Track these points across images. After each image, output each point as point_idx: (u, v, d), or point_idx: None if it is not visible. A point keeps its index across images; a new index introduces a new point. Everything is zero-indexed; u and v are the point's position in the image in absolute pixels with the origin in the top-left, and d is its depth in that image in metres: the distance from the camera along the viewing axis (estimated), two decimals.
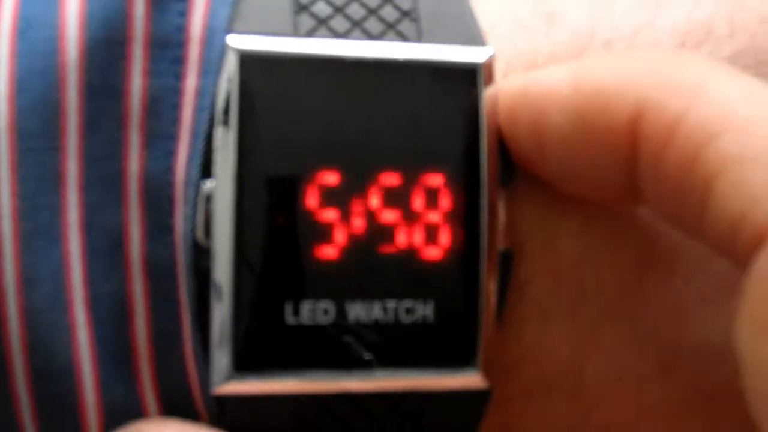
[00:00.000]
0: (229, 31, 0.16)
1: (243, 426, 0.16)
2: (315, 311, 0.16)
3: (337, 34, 0.16)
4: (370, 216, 0.16)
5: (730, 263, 0.14)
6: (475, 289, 0.16)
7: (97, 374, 0.16)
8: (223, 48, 0.16)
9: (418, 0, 0.17)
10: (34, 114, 0.16)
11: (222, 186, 0.15)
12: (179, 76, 0.16)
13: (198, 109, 0.16)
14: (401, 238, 0.16)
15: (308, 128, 0.16)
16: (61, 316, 0.16)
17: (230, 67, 0.15)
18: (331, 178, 0.16)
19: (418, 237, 0.16)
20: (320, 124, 0.16)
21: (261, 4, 0.16)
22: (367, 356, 0.16)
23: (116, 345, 0.16)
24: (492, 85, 0.16)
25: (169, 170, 0.16)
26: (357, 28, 0.16)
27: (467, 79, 0.16)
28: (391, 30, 0.17)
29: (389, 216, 0.16)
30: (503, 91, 0.16)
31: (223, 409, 0.16)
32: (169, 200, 0.16)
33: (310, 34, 0.16)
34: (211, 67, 0.16)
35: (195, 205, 0.15)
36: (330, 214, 0.16)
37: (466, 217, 0.16)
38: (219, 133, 0.15)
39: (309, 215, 0.16)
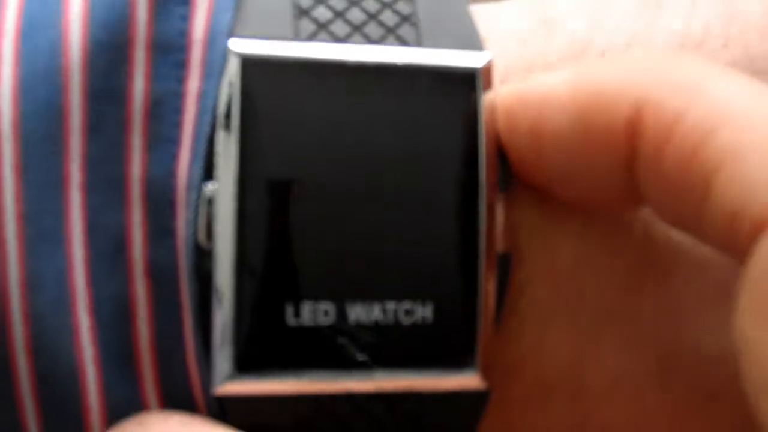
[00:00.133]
0: (230, 35, 0.16)
1: (244, 426, 0.16)
2: (315, 312, 0.16)
3: (337, 39, 0.16)
4: (370, 217, 0.16)
5: (729, 261, 0.14)
6: (473, 291, 0.16)
7: (100, 377, 0.16)
8: (225, 52, 0.16)
9: (417, 5, 0.17)
10: (38, 117, 0.16)
11: (223, 189, 0.16)
12: (181, 80, 0.16)
13: (200, 113, 0.16)
14: (401, 241, 0.16)
15: (309, 132, 0.16)
16: (64, 319, 0.16)
17: (232, 71, 0.16)
18: (330, 180, 0.16)
19: (417, 239, 0.16)
20: (320, 128, 0.16)
21: (262, 9, 0.16)
22: (367, 357, 0.16)
23: (119, 348, 0.16)
24: (490, 90, 0.17)
25: (171, 174, 0.16)
26: (357, 33, 0.17)
27: (466, 84, 0.17)
28: (390, 34, 0.17)
29: (389, 218, 0.16)
30: (501, 96, 0.16)
31: (224, 409, 0.16)
32: (171, 203, 0.16)
33: (311, 38, 0.16)
34: (213, 71, 0.16)
35: (197, 208, 0.16)
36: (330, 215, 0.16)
37: (465, 220, 0.16)
38: (220, 136, 0.16)
39: (309, 216, 0.16)
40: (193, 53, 0.16)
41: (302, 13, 0.17)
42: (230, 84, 0.16)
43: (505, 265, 0.17)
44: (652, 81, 0.15)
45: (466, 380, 0.16)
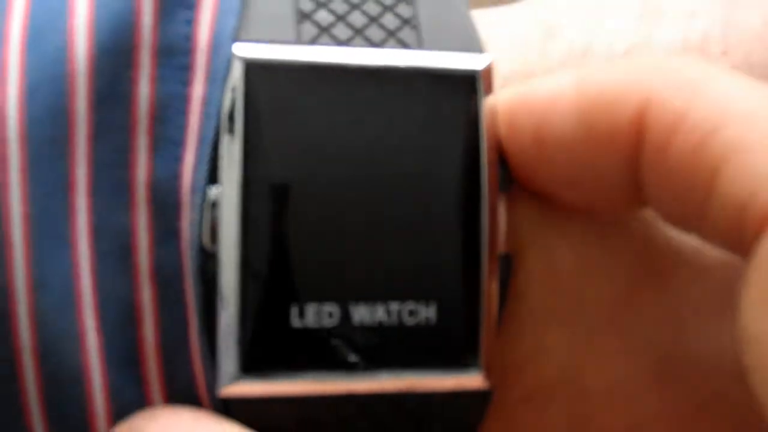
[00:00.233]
0: (235, 39, 0.16)
1: (249, 427, 0.16)
2: (320, 314, 0.16)
3: (339, 42, 0.17)
4: (374, 219, 0.16)
5: (729, 266, 0.14)
6: (476, 292, 0.16)
7: (106, 379, 0.16)
8: (229, 56, 0.16)
9: (418, 8, 0.17)
10: (44, 121, 0.16)
11: (228, 192, 0.16)
12: (186, 83, 0.16)
13: (205, 117, 0.16)
14: (404, 242, 0.16)
15: (311, 135, 0.16)
16: (71, 322, 0.16)
17: (235, 75, 0.16)
18: (332, 182, 0.16)
19: (420, 240, 0.16)
20: (323, 131, 0.16)
21: (265, 13, 0.16)
22: (371, 358, 0.16)
23: (125, 350, 0.16)
24: (491, 92, 0.17)
25: (176, 176, 0.16)
26: (359, 36, 0.17)
27: (467, 86, 0.17)
28: (392, 37, 0.17)
29: (392, 220, 0.16)
30: (502, 100, 0.17)
31: (229, 410, 0.16)
32: (176, 206, 0.16)
33: (313, 41, 0.16)
34: (217, 75, 0.16)
35: (201, 211, 0.16)
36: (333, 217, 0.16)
37: (468, 221, 0.17)
38: (225, 140, 0.16)
39: (312, 219, 0.16)
40: (197, 57, 0.16)
41: (304, 17, 0.17)
42: (233, 88, 0.16)
43: (506, 266, 0.17)
44: (655, 80, 0.15)
45: (469, 380, 0.16)
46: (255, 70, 0.16)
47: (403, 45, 0.17)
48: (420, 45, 0.17)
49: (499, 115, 0.17)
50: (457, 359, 0.16)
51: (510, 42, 0.18)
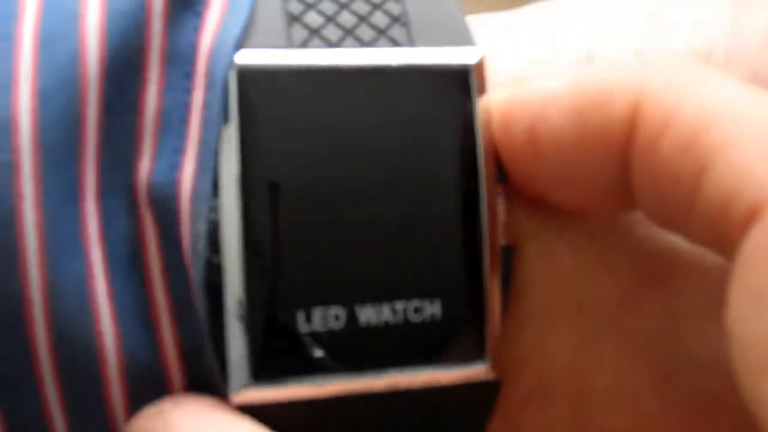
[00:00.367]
0: (237, 47, 0.16)
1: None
2: (326, 317, 0.16)
3: (330, 44, 0.17)
4: (375, 219, 0.16)
5: (718, 255, 0.14)
6: (479, 285, 0.17)
7: (125, 382, 0.16)
8: (227, 63, 0.16)
9: (406, 4, 0.17)
10: (56, 127, 0.16)
11: (227, 200, 0.16)
12: (188, 90, 0.16)
13: (204, 123, 0.16)
14: (405, 240, 0.16)
15: (308, 138, 0.16)
16: (87, 328, 0.16)
17: (229, 82, 0.16)
18: (332, 185, 0.16)
19: (421, 237, 0.16)
20: (320, 134, 0.16)
21: (255, 18, 0.16)
22: (379, 356, 0.16)
23: (145, 355, 0.16)
24: (485, 84, 0.17)
25: (174, 183, 0.16)
26: (349, 36, 0.17)
27: (460, 80, 0.17)
28: (382, 36, 0.17)
29: (392, 218, 0.16)
30: (496, 99, 0.17)
31: None
32: (174, 213, 0.16)
33: (304, 44, 0.16)
34: (216, 81, 0.16)
35: (208, 221, 0.16)
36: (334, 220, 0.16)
37: (468, 215, 0.17)
38: (223, 148, 0.16)
39: (314, 222, 0.16)
40: (198, 64, 0.16)
41: (294, 19, 0.17)
42: (228, 95, 0.16)
43: (507, 258, 0.17)
44: (648, 79, 0.15)
45: (477, 372, 0.17)
46: (248, 76, 0.16)
47: (394, 43, 0.17)
48: (411, 42, 0.17)
49: (493, 115, 0.17)
50: (464, 353, 0.17)
51: (517, 56, 0.18)
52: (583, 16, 0.19)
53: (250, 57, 0.16)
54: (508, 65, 0.18)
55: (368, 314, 0.16)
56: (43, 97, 0.16)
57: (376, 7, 0.17)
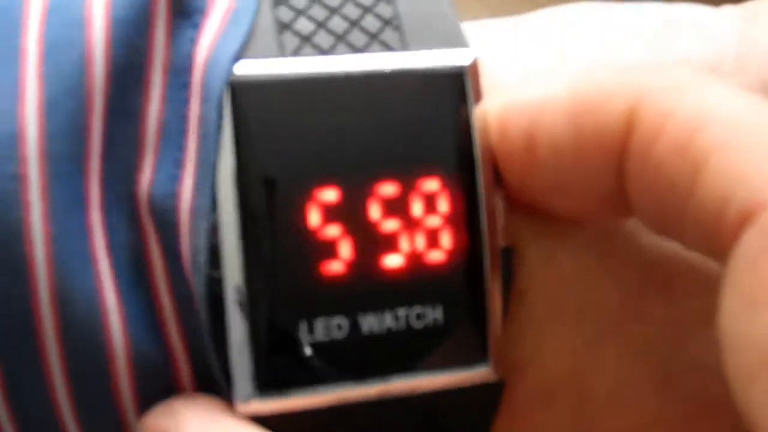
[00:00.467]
0: (234, 59, 0.16)
1: None
2: (329, 328, 0.16)
3: (322, 51, 0.16)
4: (373, 227, 0.16)
5: (712, 259, 0.14)
6: (481, 288, 0.17)
7: (134, 387, 0.16)
8: (224, 74, 0.16)
9: (398, 6, 0.17)
10: (63, 137, 0.16)
11: (226, 218, 0.16)
12: (185, 102, 0.16)
13: (201, 137, 0.16)
14: (405, 246, 0.16)
15: (304, 148, 0.16)
16: (99, 341, 0.16)
17: (223, 94, 0.16)
18: (330, 194, 0.16)
19: (420, 243, 0.16)
20: (315, 143, 0.16)
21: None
22: (383, 364, 0.16)
23: (155, 361, 0.16)
24: (479, 85, 0.17)
25: (173, 195, 0.16)
26: (341, 42, 0.16)
27: (455, 82, 0.17)
28: (375, 41, 0.17)
29: (391, 226, 0.16)
30: (492, 104, 0.16)
31: None
32: (174, 226, 0.16)
33: (296, 53, 0.16)
34: (211, 94, 0.16)
35: (208, 237, 0.16)
36: (333, 231, 0.16)
37: (467, 219, 0.17)
38: (219, 161, 0.16)
39: (313, 234, 0.16)
40: (194, 75, 0.16)
41: (284, 27, 0.16)
42: (222, 108, 0.16)
43: (508, 259, 0.17)
44: (644, 82, 0.15)
45: (480, 374, 0.17)
46: (241, 87, 0.16)
47: (387, 47, 0.17)
48: (404, 46, 0.17)
49: (489, 121, 0.16)
50: (467, 356, 0.17)
51: (524, 68, 0.18)
52: (593, 27, 0.19)
53: (242, 68, 0.16)
54: (512, 71, 0.18)
55: (371, 322, 0.16)
56: (50, 107, 0.16)
57: (367, 10, 0.17)
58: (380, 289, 0.16)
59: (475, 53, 0.17)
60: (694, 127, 0.14)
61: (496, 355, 0.17)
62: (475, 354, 0.17)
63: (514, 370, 0.17)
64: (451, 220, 0.16)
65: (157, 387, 0.16)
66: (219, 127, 0.16)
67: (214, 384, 0.16)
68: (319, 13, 0.17)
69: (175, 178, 0.16)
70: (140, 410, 0.16)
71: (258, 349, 0.16)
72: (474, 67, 0.17)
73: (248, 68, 0.16)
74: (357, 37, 0.17)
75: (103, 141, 0.16)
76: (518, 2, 0.20)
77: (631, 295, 0.17)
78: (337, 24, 0.17)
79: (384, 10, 0.17)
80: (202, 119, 0.16)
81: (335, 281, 0.16)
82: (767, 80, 0.17)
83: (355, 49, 0.16)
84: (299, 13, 0.17)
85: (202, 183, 0.16)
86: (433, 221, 0.16)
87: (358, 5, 0.17)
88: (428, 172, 0.16)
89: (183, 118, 0.16)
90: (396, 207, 0.16)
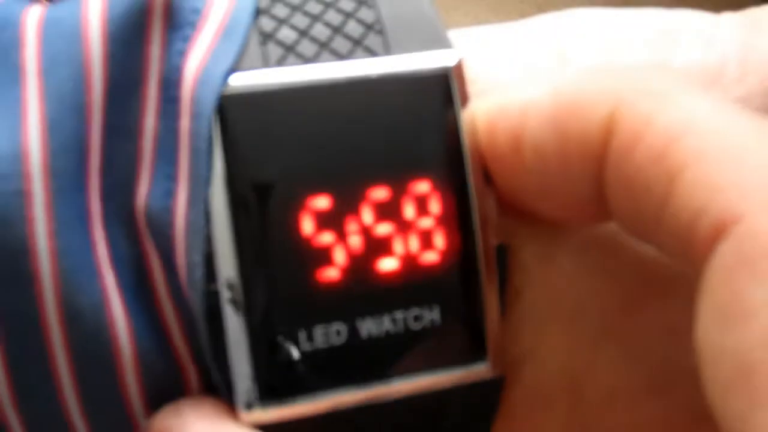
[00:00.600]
0: (228, 73, 0.16)
1: None
2: (328, 334, 0.16)
3: (306, 59, 0.16)
4: (366, 232, 0.16)
5: (686, 267, 0.14)
6: (476, 286, 0.17)
7: (146, 399, 0.16)
8: (215, 90, 0.16)
9: (380, 10, 0.17)
10: (65, 154, 0.16)
11: (219, 230, 0.16)
12: (175, 117, 0.16)
13: (193, 152, 0.16)
14: (399, 250, 0.16)
15: (294, 157, 0.16)
16: (108, 351, 0.16)
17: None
18: (322, 201, 0.16)
19: (414, 245, 0.16)
20: (305, 152, 0.16)
21: None
22: (382, 366, 0.16)
23: (164, 373, 0.17)
24: (465, 86, 0.17)
25: (168, 210, 0.16)
26: (325, 50, 0.17)
27: (440, 84, 0.17)
28: (358, 46, 0.17)
29: (384, 230, 0.16)
30: (480, 108, 0.17)
31: None
32: (170, 240, 0.16)
33: (280, 63, 0.16)
34: (202, 110, 0.16)
35: (204, 251, 0.16)
36: (327, 238, 0.16)
37: (459, 219, 0.17)
38: (210, 175, 0.16)
39: (307, 242, 0.16)
40: (183, 89, 0.16)
41: (267, 37, 0.16)
42: (210, 122, 0.16)
43: (502, 256, 0.17)
44: (626, 87, 0.15)
45: (479, 371, 0.17)
46: (229, 100, 0.16)
47: (371, 53, 0.17)
48: (387, 50, 0.17)
49: (478, 123, 0.17)
50: (466, 354, 0.17)
51: (523, 69, 0.18)
52: (592, 26, 0.19)
53: (229, 81, 0.16)
54: (512, 72, 0.18)
55: (369, 327, 0.16)
56: (52, 124, 0.16)
57: (348, 15, 0.17)
58: (377, 293, 0.16)
59: (460, 54, 0.17)
60: (672, 136, 0.14)
61: (495, 352, 0.17)
62: (474, 352, 0.17)
63: (511, 368, 0.17)
64: (443, 221, 0.17)
65: (166, 393, 0.17)
66: (210, 143, 0.16)
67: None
68: (301, 21, 0.17)
69: (170, 193, 0.16)
70: (150, 415, 0.17)
71: (258, 359, 0.16)
72: (459, 68, 0.17)
73: (235, 81, 0.16)
74: (341, 44, 0.17)
75: (102, 155, 0.16)
76: (518, 2, 0.20)
77: (629, 297, 0.17)
78: (320, 31, 0.17)
79: (366, 14, 0.17)
80: (193, 134, 0.16)
81: (332, 288, 0.16)
82: None
83: (340, 56, 0.16)
84: (281, 22, 0.17)
85: (195, 198, 0.16)
86: (426, 223, 0.17)
87: (340, 11, 0.17)
88: (419, 175, 0.16)
89: (174, 132, 0.16)
90: (388, 211, 0.16)
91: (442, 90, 0.17)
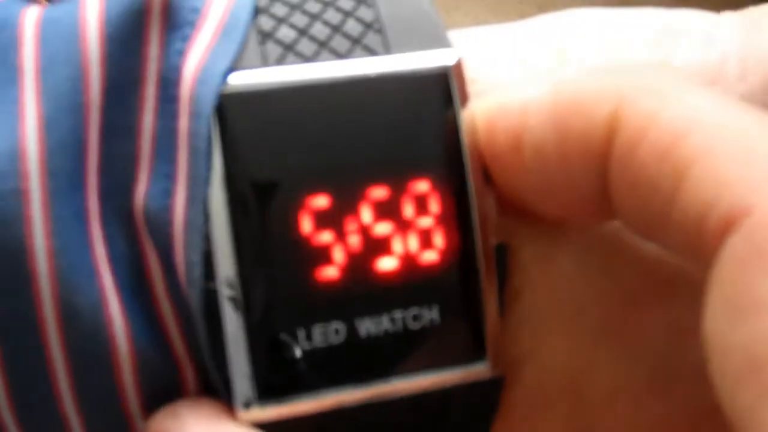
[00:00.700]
0: (227, 72, 0.16)
1: None
2: (327, 334, 0.16)
3: (305, 59, 0.16)
4: (365, 231, 0.16)
5: (695, 265, 0.14)
6: (475, 286, 0.17)
7: (141, 398, 0.16)
8: (215, 90, 0.16)
9: (379, 9, 0.17)
10: (63, 153, 0.16)
11: (218, 229, 0.16)
12: (174, 116, 0.16)
13: (192, 151, 0.16)
14: (398, 249, 0.16)
15: (292, 156, 0.16)
16: (105, 355, 0.16)
17: None
18: (321, 200, 0.16)
19: (414, 245, 0.16)
20: (304, 151, 0.16)
21: None
22: (381, 366, 0.16)
23: (162, 373, 0.16)
24: (464, 85, 0.17)
25: (167, 209, 0.16)
26: (324, 49, 0.17)
27: (440, 84, 0.17)
28: (357, 45, 0.17)
29: (383, 229, 0.16)
30: (481, 108, 0.17)
31: None
32: (169, 238, 0.16)
33: (280, 61, 0.16)
34: (201, 110, 0.16)
35: (203, 250, 0.16)
36: (326, 236, 0.16)
37: (458, 218, 0.17)
38: (209, 174, 0.16)
39: (306, 241, 0.16)
40: (182, 88, 0.16)
41: (266, 36, 0.16)
42: (209, 121, 0.16)
43: (502, 256, 0.17)
44: (627, 86, 0.15)
45: (479, 371, 0.17)
46: (228, 99, 0.16)
47: (371, 52, 0.17)
48: (387, 49, 0.17)
49: (478, 122, 0.17)
50: (465, 354, 0.17)
51: (523, 68, 0.18)
52: (594, 31, 0.19)
53: (229, 80, 0.16)
54: (512, 72, 0.18)
55: (368, 326, 0.16)
56: (49, 123, 0.16)
57: (348, 14, 0.17)
58: (376, 292, 0.16)
59: (459, 53, 0.17)
60: (678, 133, 0.14)
61: (494, 352, 0.17)
62: (473, 351, 0.17)
63: (511, 368, 0.17)
64: (442, 220, 0.17)
65: (163, 393, 0.17)
66: (209, 142, 0.16)
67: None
68: (300, 20, 0.17)
69: (168, 192, 0.16)
70: (147, 416, 0.17)
71: (256, 358, 0.16)
72: (458, 67, 0.17)
73: (234, 80, 0.16)
74: (340, 43, 0.17)
75: (100, 155, 0.16)
76: (518, 2, 0.20)
77: (630, 296, 0.17)
78: (319, 30, 0.17)
79: (365, 13, 0.17)
80: (192, 134, 0.16)
81: (331, 287, 0.16)
82: None
83: (339, 55, 0.16)
84: (280, 21, 0.17)
85: (194, 197, 0.16)
86: (425, 222, 0.17)
87: (339, 10, 0.17)
88: (418, 174, 0.16)
89: (173, 132, 0.16)
90: (387, 210, 0.16)
91: (442, 89, 0.17)
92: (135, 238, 0.17)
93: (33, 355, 0.16)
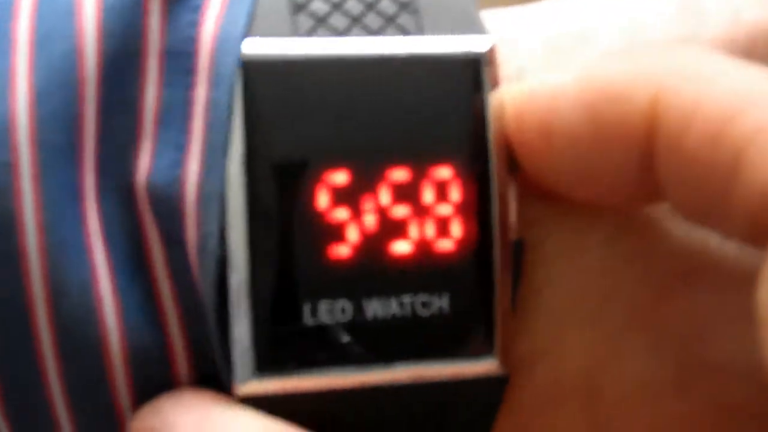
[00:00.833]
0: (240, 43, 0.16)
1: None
2: (333, 311, 0.16)
3: (337, 32, 0.16)
4: (382, 213, 0.16)
5: (756, 249, 0.14)
6: (489, 279, 0.16)
7: (130, 380, 0.16)
8: (235, 59, 0.15)
9: None
10: (55, 127, 0.16)
11: (233, 196, 0.15)
12: (189, 87, 0.16)
13: (210, 122, 0.16)
14: (414, 234, 0.16)
15: (315, 129, 0.16)
16: (93, 329, 0.16)
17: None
18: (341, 177, 0.16)
19: (430, 231, 0.16)
20: (327, 125, 0.16)
21: (259, 7, 0.16)
22: (386, 350, 0.16)
23: (152, 352, 0.16)
24: (496, 73, 0.16)
25: (176, 181, 0.16)
26: (357, 25, 0.16)
27: (471, 69, 0.16)
28: (391, 24, 0.16)
29: (401, 212, 0.16)
30: (509, 95, 0.16)
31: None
32: (177, 211, 0.16)
33: (310, 33, 0.16)
34: (222, 79, 0.16)
35: (221, 219, 0.15)
36: (342, 213, 0.16)
37: (477, 208, 0.16)
38: (229, 141, 0.16)
39: (321, 216, 0.16)
40: (200, 60, 0.16)
41: (299, 8, 0.16)
42: (233, 87, 0.15)
43: (518, 252, 0.17)
44: (665, 71, 0.14)
45: (485, 366, 0.16)
46: (252, 66, 0.16)
47: (403, 31, 0.16)
48: (420, 30, 0.16)
49: (506, 110, 0.16)
50: (473, 347, 0.16)
51: (543, 44, 0.18)
52: (615, 9, 0.18)
53: (254, 47, 0.16)
54: (535, 54, 0.18)
55: (375, 307, 0.16)
56: (41, 96, 0.16)
57: None
58: (387, 274, 0.16)
59: (493, 40, 0.17)
60: (725, 116, 0.13)
61: (503, 349, 0.16)
62: (482, 346, 0.16)
63: (524, 365, 0.17)
64: (462, 209, 0.16)
65: (154, 378, 0.16)
66: (230, 110, 0.15)
67: (212, 375, 0.16)
68: None
69: (178, 163, 0.16)
70: (136, 403, 0.16)
71: (259, 329, 0.16)
72: (491, 54, 0.16)
73: (259, 47, 0.16)
74: (373, 20, 0.16)
75: (98, 130, 0.16)
76: None
77: (659, 286, 0.17)
78: (353, 6, 0.16)
79: None
80: (211, 103, 0.16)
81: (341, 264, 0.16)
82: None
83: (371, 32, 0.16)
84: None
85: (212, 167, 0.16)
86: (444, 209, 0.16)
87: None
88: (441, 160, 0.16)
89: (186, 103, 0.16)
90: (406, 193, 0.16)
91: (473, 76, 0.16)
92: (134, 216, 0.16)
93: (19, 330, 0.16)
